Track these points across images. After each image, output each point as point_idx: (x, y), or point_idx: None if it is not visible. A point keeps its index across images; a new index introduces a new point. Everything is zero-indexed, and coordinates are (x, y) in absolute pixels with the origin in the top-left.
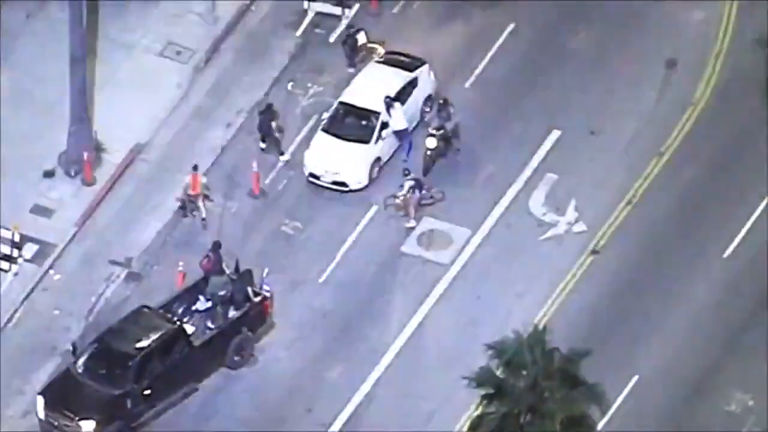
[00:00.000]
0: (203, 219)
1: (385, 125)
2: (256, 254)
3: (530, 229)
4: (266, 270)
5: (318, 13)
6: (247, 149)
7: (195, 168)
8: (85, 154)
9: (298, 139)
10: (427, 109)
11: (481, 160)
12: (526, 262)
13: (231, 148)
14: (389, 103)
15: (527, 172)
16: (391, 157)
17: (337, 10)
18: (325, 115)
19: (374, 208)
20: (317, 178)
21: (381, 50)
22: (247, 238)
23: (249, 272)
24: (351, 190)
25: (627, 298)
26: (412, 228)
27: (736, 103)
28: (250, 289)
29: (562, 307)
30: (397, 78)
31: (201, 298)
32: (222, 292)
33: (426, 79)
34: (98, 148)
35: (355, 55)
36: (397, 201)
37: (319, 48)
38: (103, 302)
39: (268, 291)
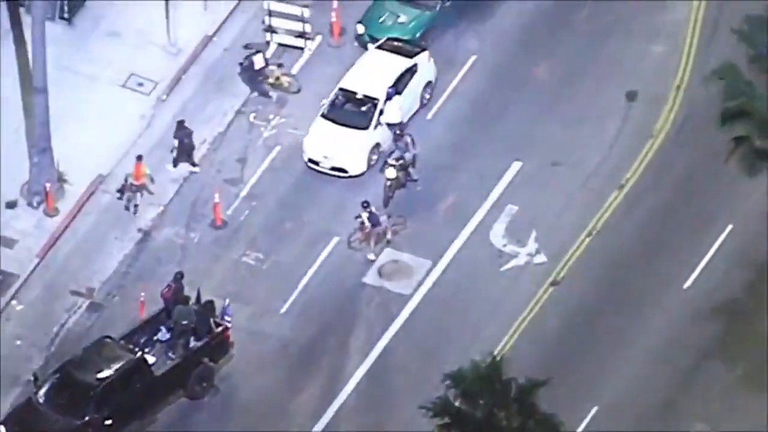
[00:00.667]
0: (136, 206)
1: (383, 112)
2: (218, 284)
3: (491, 260)
4: (228, 300)
5: (280, 45)
6: (209, 180)
7: (139, 158)
8: (48, 185)
9: (260, 170)
10: (427, 96)
11: (443, 191)
12: (487, 293)
13: (193, 179)
14: (390, 94)
15: (488, 203)
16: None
17: (300, 42)
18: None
19: (335, 239)
20: (316, 164)
21: (288, 81)
22: (209, 269)
23: (211, 302)
24: (350, 176)
25: (587, 329)
26: (373, 260)
27: (696, 134)
28: (211, 320)
29: (522, 338)
30: (397, 64)
31: (162, 328)
32: (183, 322)
33: (426, 66)
34: (61, 179)
35: (258, 80)
36: (359, 235)
37: None
38: (65, 332)
39: (229, 321)
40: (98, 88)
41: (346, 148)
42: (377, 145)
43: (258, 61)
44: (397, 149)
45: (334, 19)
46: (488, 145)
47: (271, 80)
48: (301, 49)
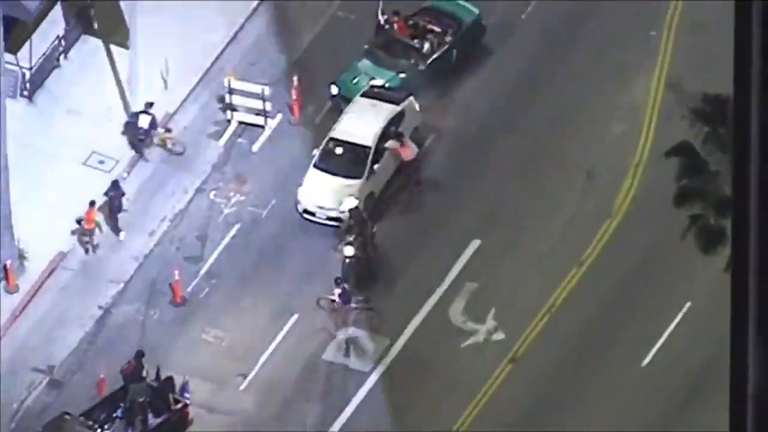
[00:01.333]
0: (95, 246)
1: (376, 160)
2: (178, 361)
3: (450, 337)
4: (187, 377)
5: (241, 123)
6: (169, 257)
7: (92, 204)
8: (8, 262)
9: (220, 247)
10: (414, 140)
11: (402, 269)
12: (445, 370)
13: (154, 256)
14: (398, 136)
15: (447, 280)
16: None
17: (260, 120)
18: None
19: (295, 317)
20: (312, 214)
21: (172, 143)
22: (169, 346)
23: (170, 379)
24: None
25: (545, 407)
26: (334, 336)
27: (654, 213)
28: (170, 396)
29: (481, 415)
30: (385, 111)
31: (122, 405)
32: (142, 399)
33: (412, 112)
34: (21, 256)
35: (138, 139)
36: (330, 304)
37: (241, 157)
38: (25, 409)
39: (188, 398)
40: (59, 165)
41: (340, 199)
42: (371, 194)
43: (143, 121)
44: (355, 226)
45: (294, 97)
46: (448, 222)
47: (156, 140)
48: (262, 127)
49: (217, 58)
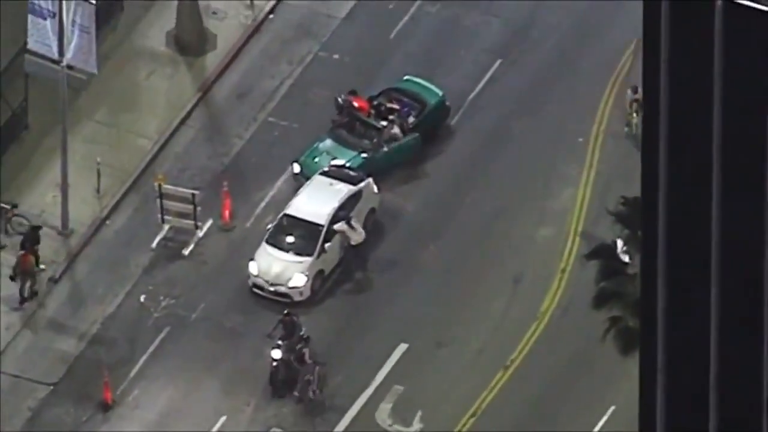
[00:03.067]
0: (35, 293)
1: (327, 239)
2: None
3: None
4: None
5: (171, 227)
6: (98, 360)
7: (23, 247)
8: None
9: (150, 350)
10: (370, 223)
11: (329, 373)
12: None
13: (83, 358)
14: (347, 220)
15: (374, 384)
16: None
17: (191, 224)
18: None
19: (224, 418)
20: (261, 289)
21: (18, 221)
22: None
23: None
24: (294, 302)
25: None
26: None
27: (579, 316)
28: None
29: None
30: (341, 190)
31: None
32: None
33: (370, 193)
34: None
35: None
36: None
37: (172, 261)
38: None
39: None
40: None
41: (289, 275)
42: (321, 271)
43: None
44: (284, 330)
45: (224, 202)
46: (374, 326)
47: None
48: (194, 230)
49: (149, 163)
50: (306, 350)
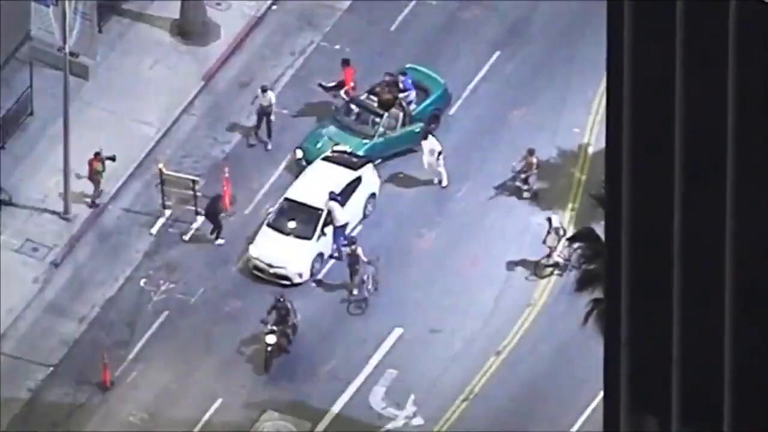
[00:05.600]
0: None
1: (327, 222)
2: None
3: (370, 423)
4: None
5: (173, 213)
6: (98, 342)
7: (96, 154)
8: None
9: (148, 334)
10: (370, 207)
11: (324, 356)
12: None
13: (83, 341)
14: (335, 198)
15: (369, 367)
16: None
17: (191, 210)
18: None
19: (219, 401)
20: (261, 272)
21: None
22: (97, 429)
23: None
24: (293, 284)
25: None
26: (256, 420)
27: (571, 304)
28: None
29: None
30: (342, 176)
31: None
32: None
33: (370, 178)
34: None
35: None
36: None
37: (172, 247)
38: None
39: None
40: None
41: (289, 257)
42: (320, 254)
43: None
44: (278, 315)
45: (225, 189)
46: (370, 311)
47: None
48: (195, 216)
49: (151, 150)
50: (360, 249)
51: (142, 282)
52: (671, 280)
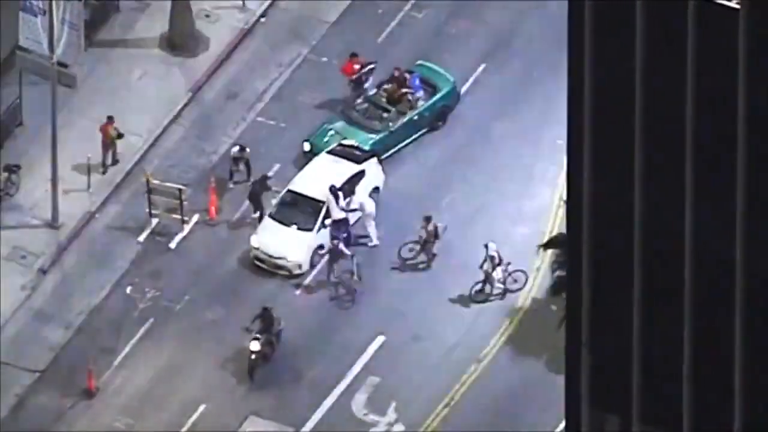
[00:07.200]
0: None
1: (328, 214)
2: None
3: (352, 429)
4: None
5: (159, 222)
6: (84, 349)
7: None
8: None
9: (134, 340)
10: (373, 201)
11: (307, 363)
12: None
13: (69, 347)
14: (334, 192)
15: (351, 374)
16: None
17: (178, 219)
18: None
19: (203, 406)
20: (262, 262)
21: None
22: None
23: None
24: (293, 275)
25: None
26: (240, 424)
27: (553, 313)
28: None
29: None
30: (346, 169)
31: None
32: None
33: (374, 172)
34: None
35: None
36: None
37: (158, 254)
38: None
39: None
40: None
41: (289, 248)
42: (321, 246)
43: None
44: (262, 323)
45: (211, 198)
46: (354, 319)
47: None
48: (181, 224)
49: (139, 159)
50: (341, 244)
51: (128, 289)
52: (632, 283)
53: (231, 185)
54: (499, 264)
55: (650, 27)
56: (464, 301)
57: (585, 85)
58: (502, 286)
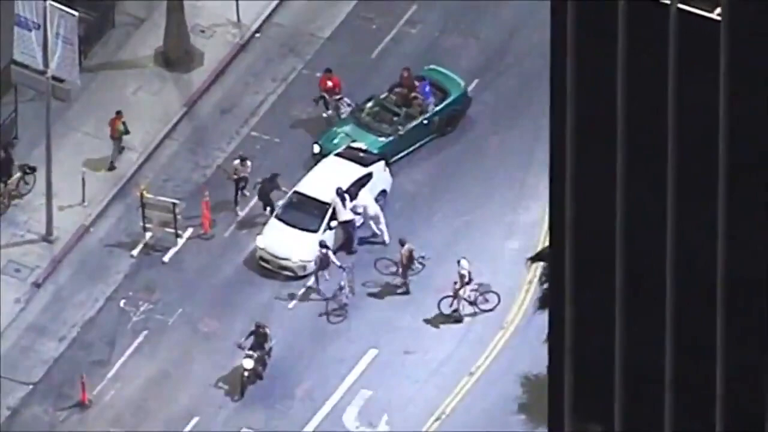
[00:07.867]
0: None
1: (334, 216)
2: None
3: None
4: None
5: (153, 236)
6: (77, 362)
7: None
8: None
9: (127, 353)
10: (380, 204)
11: (299, 376)
12: None
13: (62, 360)
14: (341, 194)
15: (343, 387)
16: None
17: (171, 232)
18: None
19: (196, 419)
20: (267, 262)
21: None
22: None
23: None
24: (298, 276)
25: None
26: None
27: (545, 327)
28: None
29: None
30: (352, 171)
31: None
32: None
33: (381, 175)
34: None
35: None
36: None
37: (152, 268)
38: None
39: None
40: None
41: (294, 250)
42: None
43: None
44: (255, 341)
45: (204, 212)
46: (346, 333)
47: None
48: (175, 238)
49: (134, 174)
50: (331, 253)
51: (121, 303)
52: (614, 287)
53: (239, 212)
54: (467, 283)
55: (631, 39)
56: (455, 315)
57: (567, 97)
58: (471, 306)
